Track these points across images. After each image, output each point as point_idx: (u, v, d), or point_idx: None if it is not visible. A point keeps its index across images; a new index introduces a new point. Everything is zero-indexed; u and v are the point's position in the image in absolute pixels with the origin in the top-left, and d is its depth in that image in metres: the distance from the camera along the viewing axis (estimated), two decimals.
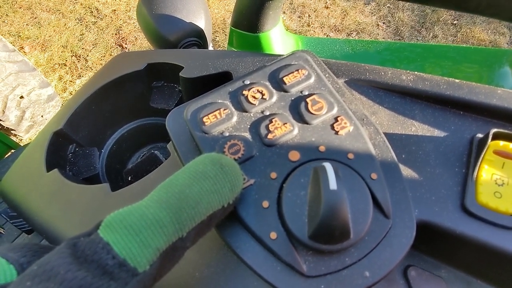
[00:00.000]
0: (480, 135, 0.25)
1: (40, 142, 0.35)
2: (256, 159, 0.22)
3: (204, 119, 0.23)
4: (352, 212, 0.19)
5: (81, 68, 1.76)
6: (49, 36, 1.83)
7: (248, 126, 0.23)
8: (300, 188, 0.20)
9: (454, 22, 2.04)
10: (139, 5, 0.50)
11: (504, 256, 0.21)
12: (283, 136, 0.23)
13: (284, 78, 0.25)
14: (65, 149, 0.38)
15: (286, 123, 0.23)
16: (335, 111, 0.24)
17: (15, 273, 0.16)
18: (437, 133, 0.26)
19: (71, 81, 1.73)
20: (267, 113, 0.24)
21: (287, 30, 0.63)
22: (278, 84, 0.25)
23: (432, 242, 0.23)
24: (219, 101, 0.25)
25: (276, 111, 0.24)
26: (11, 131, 1.38)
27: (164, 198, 0.16)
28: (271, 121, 0.23)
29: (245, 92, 0.24)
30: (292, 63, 0.26)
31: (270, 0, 0.46)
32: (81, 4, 1.97)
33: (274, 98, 0.24)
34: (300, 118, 0.23)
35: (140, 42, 1.87)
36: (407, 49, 0.66)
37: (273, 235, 0.20)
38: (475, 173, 0.23)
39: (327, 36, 1.97)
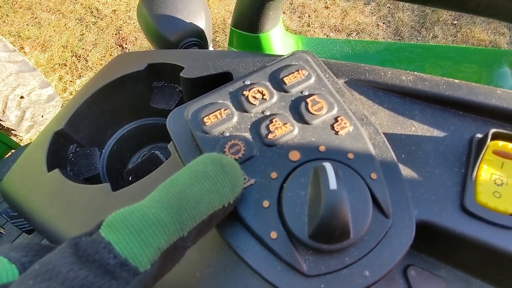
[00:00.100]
0: (479, 135, 0.25)
1: (41, 142, 0.35)
2: (256, 159, 0.22)
3: (205, 119, 0.23)
4: (352, 212, 0.19)
5: (81, 68, 1.76)
6: (49, 36, 1.83)
7: (249, 126, 0.24)
8: (300, 188, 0.21)
9: (454, 22, 2.04)
10: (139, 6, 0.50)
11: (503, 256, 0.21)
12: (283, 136, 0.23)
13: (285, 79, 0.25)
14: (66, 149, 0.38)
15: (286, 123, 0.23)
16: (335, 111, 0.24)
17: (17, 272, 0.16)
18: (436, 133, 0.26)
19: (71, 81, 1.73)
20: (268, 113, 0.24)
21: (287, 30, 0.63)
22: (279, 85, 0.25)
23: (432, 242, 0.24)
24: (220, 101, 0.25)
25: (276, 111, 0.24)
26: (11, 131, 1.38)
27: (165, 198, 0.17)
28: (271, 121, 0.23)
29: (245, 93, 0.25)
30: (293, 63, 0.26)
31: (271, 0, 0.47)
32: (81, 4, 1.98)
33: (275, 99, 0.25)
34: (300, 118, 0.24)
35: (140, 42, 1.88)
36: (407, 49, 0.66)
37: (274, 234, 0.20)
38: (475, 173, 0.23)
39: (327, 36, 1.98)
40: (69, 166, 0.37)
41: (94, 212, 0.28)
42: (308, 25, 2.01)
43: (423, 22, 2.04)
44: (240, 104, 0.24)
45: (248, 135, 0.23)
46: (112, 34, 1.89)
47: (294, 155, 0.22)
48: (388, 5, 2.09)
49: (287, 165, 0.22)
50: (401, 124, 0.27)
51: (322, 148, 0.22)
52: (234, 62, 0.33)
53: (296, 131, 0.23)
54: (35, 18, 1.89)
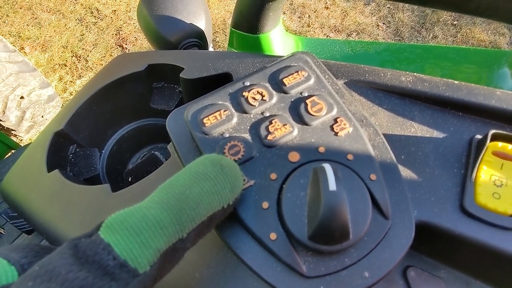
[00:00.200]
0: (479, 136, 0.25)
1: (41, 142, 0.35)
2: (256, 160, 0.22)
3: (205, 120, 0.24)
4: (352, 213, 0.19)
5: (81, 69, 1.77)
6: (50, 37, 1.83)
7: (248, 127, 0.24)
8: (300, 189, 0.21)
9: (454, 22, 2.04)
10: (139, 6, 0.50)
11: (502, 257, 0.21)
12: (283, 137, 0.23)
13: (284, 80, 0.25)
14: (66, 150, 0.38)
15: (286, 124, 0.23)
16: (334, 112, 0.24)
17: (16, 274, 0.16)
18: (436, 134, 0.26)
19: (72, 82, 1.73)
20: (267, 114, 0.24)
21: (287, 30, 0.64)
22: (278, 86, 0.25)
23: (431, 243, 0.24)
24: (219, 102, 0.25)
25: (276, 113, 0.24)
26: (12, 132, 1.38)
27: (164, 199, 0.17)
28: (271, 122, 0.23)
29: (245, 94, 0.25)
30: (292, 64, 0.26)
31: (271, 1, 0.47)
32: (82, 5, 1.98)
33: (274, 100, 0.25)
34: (299, 119, 0.24)
35: (140, 43, 1.88)
36: (407, 50, 0.66)
37: (273, 235, 0.20)
38: (474, 174, 0.23)
39: (327, 36, 1.98)
40: (69, 167, 0.37)
41: (94, 212, 0.28)
42: (308, 26, 2.01)
43: (423, 23, 2.04)
44: (239, 105, 0.24)
45: (247, 136, 0.23)
46: (112, 34, 1.90)
47: (294, 156, 0.22)
48: (388, 5, 2.09)
49: (286, 166, 0.22)
50: (401, 125, 0.27)
51: (321, 149, 0.22)
52: (234, 63, 0.33)
53: (295, 132, 0.23)
54: (35, 19, 1.89)
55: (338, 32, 2.00)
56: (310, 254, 0.19)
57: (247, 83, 0.25)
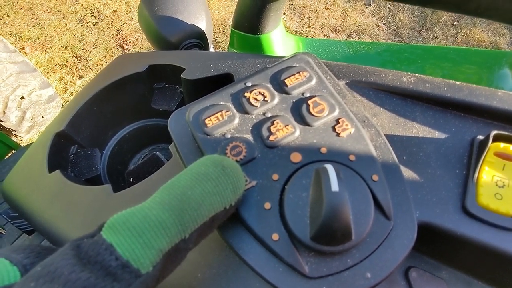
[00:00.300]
0: (480, 137, 0.25)
1: (42, 143, 0.35)
2: (258, 161, 0.22)
3: (206, 121, 0.23)
4: (354, 214, 0.19)
5: (81, 69, 1.77)
6: (50, 37, 1.83)
7: (250, 128, 0.24)
8: (302, 189, 0.21)
9: (454, 23, 2.04)
10: (140, 7, 0.50)
11: (504, 257, 0.21)
12: (284, 138, 0.23)
13: (286, 80, 0.25)
14: (67, 150, 0.38)
15: (287, 125, 0.23)
16: (336, 113, 0.24)
17: (19, 274, 0.16)
18: (437, 135, 0.26)
19: (72, 82, 1.73)
20: (269, 115, 0.24)
21: (287, 31, 0.64)
22: (280, 86, 0.25)
23: (433, 244, 0.24)
24: (221, 103, 0.25)
25: (277, 113, 0.24)
26: (12, 132, 1.38)
27: (166, 200, 0.17)
28: (272, 123, 0.23)
29: (247, 94, 0.25)
30: (294, 65, 0.26)
31: (271, 2, 0.47)
32: (82, 5, 1.98)
33: (276, 100, 0.25)
34: (301, 120, 0.24)
35: (140, 43, 1.88)
36: (407, 50, 0.66)
37: (275, 236, 0.20)
38: (476, 175, 0.23)
39: (327, 37, 1.98)
40: (70, 167, 0.37)
41: (96, 213, 0.28)
42: (309, 26, 2.01)
43: (423, 23, 2.04)
44: (241, 106, 0.24)
45: (249, 136, 0.23)
46: (113, 34, 1.90)
47: (296, 157, 0.22)
48: (389, 6, 2.09)
49: (288, 166, 0.22)
50: (402, 125, 0.27)
51: (323, 150, 0.22)
52: (235, 64, 0.33)
53: (297, 133, 0.23)
54: (36, 19, 1.89)
55: (338, 32, 2.00)
56: (312, 255, 0.19)
57: (249, 84, 0.25)
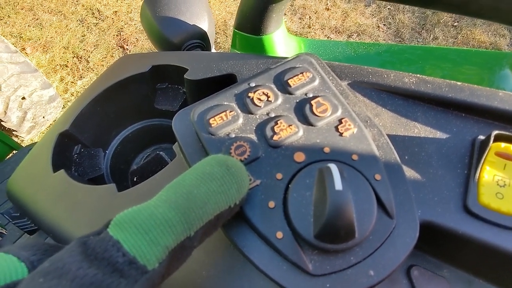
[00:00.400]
0: (482, 137, 0.25)
1: (46, 143, 0.35)
2: (262, 160, 0.22)
3: (211, 121, 0.24)
4: (357, 212, 0.19)
5: (82, 69, 1.77)
6: (51, 37, 1.84)
7: (254, 128, 0.24)
8: (306, 188, 0.21)
9: (455, 24, 2.04)
10: (143, 8, 0.50)
11: (505, 256, 0.21)
12: (288, 137, 0.23)
13: (289, 81, 0.25)
14: (71, 150, 0.38)
15: (291, 125, 0.23)
16: (339, 113, 0.24)
17: (26, 270, 0.16)
18: (439, 135, 0.26)
19: (73, 82, 1.73)
20: (273, 115, 0.24)
21: (288, 31, 0.64)
22: (283, 87, 0.25)
23: (435, 242, 0.24)
24: (225, 103, 0.25)
25: (281, 113, 0.24)
26: (13, 132, 1.39)
27: (172, 198, 0.17)
28: (276, 123, 0.23)
29: (250, 94, 0.25)
30: (297, 65, 0.26)
31: (274, 3, 0.47)
32: (83, 6, 1.98)
33: (279, 100, 0.25)
34: (305, 120, 0.24)
35: (141, 44, 1.88)
36: (408, 51, 0.66)
37: (279, 234, 0.20)
38: (477, 174, 0.23)
39: (328, 38, 1.98)
40: (73, 167, 0.38)
41: (100, 212, 0.28)
42: (309, 27, 2.01)
43: (423, 24, 2.04)
44: (245, 106, 0.25)
45: (253, 136, 0.23)
46: (113, 35, 1.90)
47: (299, 156, 0.22)
48: (389, 7, 2.10)
49: (292, 166, 0.22)
50: (404, 126, 0.27)
51: (326, 150, 0.23)
52: (238, 64, 0.34)
53: (301, 133, 0.23)
54: (37, 19, 1.89)
55: (338, 33, 2.00)
56: (316, 253, 0.20)
57: (253, 84, 0.26)
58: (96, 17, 1.95)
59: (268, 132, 0.23)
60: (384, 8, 2.10)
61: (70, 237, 0.28)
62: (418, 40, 1.99)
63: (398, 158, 0.23)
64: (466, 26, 2.02)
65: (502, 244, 0.21)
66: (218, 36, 1.94)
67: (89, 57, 1.80)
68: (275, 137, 0.23)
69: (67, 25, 1.90)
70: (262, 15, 0.50)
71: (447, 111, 0.27)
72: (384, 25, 2.05)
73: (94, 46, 1.85)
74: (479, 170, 0.24)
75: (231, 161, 0.19)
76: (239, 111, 0.24)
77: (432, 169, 0.25)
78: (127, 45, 1.87)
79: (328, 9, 2.10)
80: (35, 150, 0.36)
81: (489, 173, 0.23)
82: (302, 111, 0.24)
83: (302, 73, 0.26)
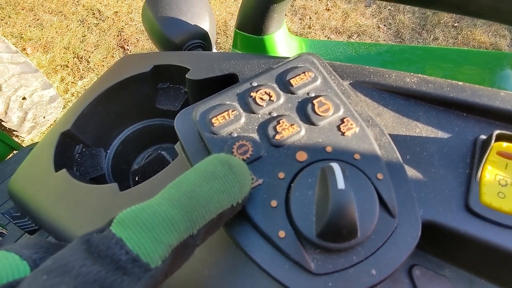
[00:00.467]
0: (483, 137, 0.25)
1: (48, 142, 0.35)
2: (264, 160, 0.23)
3: (213, 120, 0.24)
4: (359, 211, 0.19)
5: (83, 70, 1.77)
6: (51, 38, 1.84)
7: (256, 127, 0.24)
8: (308, 187, 0.21)
9: (455, 24, 2.04)
10: (144, 8, 0.50)
11: (507, 255, 0.21)
12: (290, 137, 0.23)
13: (291, 80, 0.25)
14: (72, 150, 0.38)
15: (293, 124, 0.23)
16: (341, 112, 0.24)
17: (28, 268, 0.16)
18: (441, 134, 0.26)
19: (73, 83, 1.74)
20: (275, 114, 0.24)
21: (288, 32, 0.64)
22: (285, 86, 0.25)
23: (437, 242, 0.24)
24: (228, 102, 0.25)
25: (283, 113, 0.24)
26: (13, 132, 1.39)
27: (175, 197, 0.17)
28: (278, 122, 0.23)
29: (252, 94, 0.25)
30: (299, 65, 0.26)
31: (275, 3, 0.47)
32: (83, 6, 1.98)
33: (281, 100, 0.25)
34: (307, 119, 0.24)
35: (142, 44, 1.88)
36: (408, 51, 0.66)
37: (282, 233, 0.20)
38: (479, 174, 0.24)
39: (328, 38, 1.98)
40: (75, 166, 0.38)
41: (102, 211, 0.28)
42: (309, 27, 2.02)
43: (424, 24, 2.05)
44: (247, 105, 0.25)
45: (255, 136, 0.23)
46: (114, 35, 1.90)
47: (301, 156, 0.22)
48: (389, 7, 2.10)
49: (294, 165, 0.22)
50: (406, 125, 0.27)
51: (328, 149, 0.23)
52: (240, 64, 0.34)
53: (303, 132, 0.23)
54: (37, 20, 1.89)
55: (339, 33, 2.01)
56: (318, 252, 0.20)
57: (255, 84, 0.26)
58: (96, 18, 1.95)
59: (270, 132, 0.23)
60: (385, 8, 2.10)
61: (72, 237, 0.28)
62: (419, 40, 1.99)
63: (400, 158, 0.23)
64: (467, 27, 2.02)
65: (503, 243, 0.21)
66: (218, 37, 1.94)
67: (89, 57, 1.81)
68: (277, 137, 0.23)
69: (67, 26, 1.90)
70: (264, 15, 0.50)
71: (449, 110, 0.28)
72: (384, 25, 2.05)
73: (95, 46, 1.85)
74: (480, 169, 0.24)
75: (234, 160, 0.19)
76: (241, 111, 0.24)
77: (434, 168, 0.25)
78: (127, 45, 1.87)
79: (328, 9, 2.10)
80: (37, 150, 0.36)
81: (490, 173, 0.23)
82: (304, 111, 0.24)
83: (304, 72, 0.26)
